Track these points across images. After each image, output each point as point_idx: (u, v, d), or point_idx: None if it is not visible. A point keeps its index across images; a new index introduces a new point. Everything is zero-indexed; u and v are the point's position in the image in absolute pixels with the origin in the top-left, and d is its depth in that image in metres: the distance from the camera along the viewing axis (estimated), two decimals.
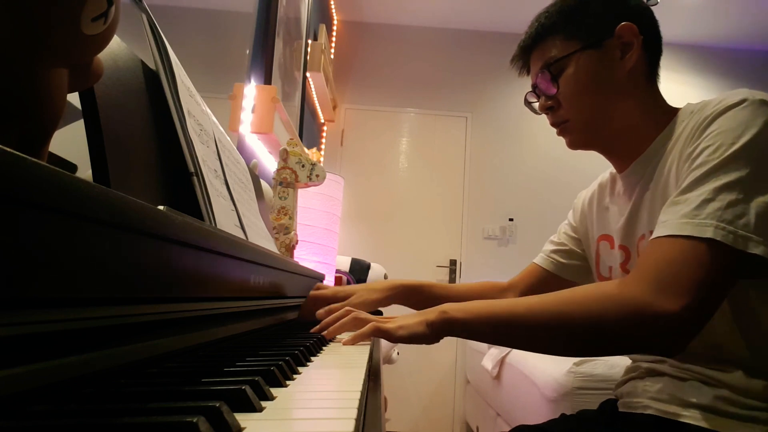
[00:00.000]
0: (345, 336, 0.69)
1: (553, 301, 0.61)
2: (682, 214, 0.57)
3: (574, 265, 0.94)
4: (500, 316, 0.63)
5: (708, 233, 0.54)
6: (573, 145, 0.81)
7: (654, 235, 0.60)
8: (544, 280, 0.96)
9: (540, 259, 0.98)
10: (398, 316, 0.70)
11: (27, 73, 0.31)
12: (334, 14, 3.56)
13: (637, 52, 0.73)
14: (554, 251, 0.96)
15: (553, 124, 0.80)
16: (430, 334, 0.64)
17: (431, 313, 0.65)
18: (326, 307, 0.80)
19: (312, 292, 0.95)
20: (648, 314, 0.54)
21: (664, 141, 0.72)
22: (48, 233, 0.23)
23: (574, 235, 0.95)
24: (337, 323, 0.70)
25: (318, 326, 0.72)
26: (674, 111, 0.74)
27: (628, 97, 0.74)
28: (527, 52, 0.81)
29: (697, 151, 0.61)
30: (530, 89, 0.83)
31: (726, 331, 0.63)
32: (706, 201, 0.56)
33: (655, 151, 0.73)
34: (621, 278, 0.61)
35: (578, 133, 0.78)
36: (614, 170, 0.86)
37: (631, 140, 0.76)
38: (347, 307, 0.76)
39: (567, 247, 0.95)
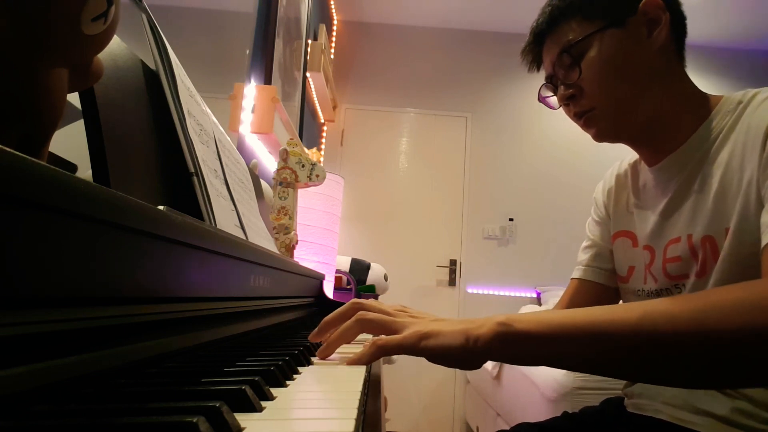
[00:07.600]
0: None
1: (679, 307, 0.42)
2: None
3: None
4: (594, 328, 0.43)
5: None
6: (601, 136, 0.73)
7: None
8: (594, 294, 0.83)
9: (579, 272, 0.85)
10: (417, 313, 0.53)
11: (27, 73, 0.31)
12: (334, 14, 3.56)
13: (666, 29, 0.67)
14: (592, 257, 0.84)
15: (576, 115, 0.72)
16: (470, 356, 0.45)
17: (481, 326, 0.45)
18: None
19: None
20: None
21: (708, 134, 0.66)
22: (48, 233, 0.23)
23: (601, 231, 0.86)
24: (337, 331, 0.51)
25: (317, 330, 0.55)
26: (712, 99, 0.69)
27: (658, 80, 0.68)
28: (541, 37, 0.74)
29: None
30: (542, 84, 0.77)
31: None
32: None
33: (697, 145, 0.67)
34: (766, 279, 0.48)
35: (606, 121, 0.70)
36: (632, 160, 0.81)
37: (664, 130, 0.70)
38: (355, 300, 0.55)
39: (603, 246, 0.84)
